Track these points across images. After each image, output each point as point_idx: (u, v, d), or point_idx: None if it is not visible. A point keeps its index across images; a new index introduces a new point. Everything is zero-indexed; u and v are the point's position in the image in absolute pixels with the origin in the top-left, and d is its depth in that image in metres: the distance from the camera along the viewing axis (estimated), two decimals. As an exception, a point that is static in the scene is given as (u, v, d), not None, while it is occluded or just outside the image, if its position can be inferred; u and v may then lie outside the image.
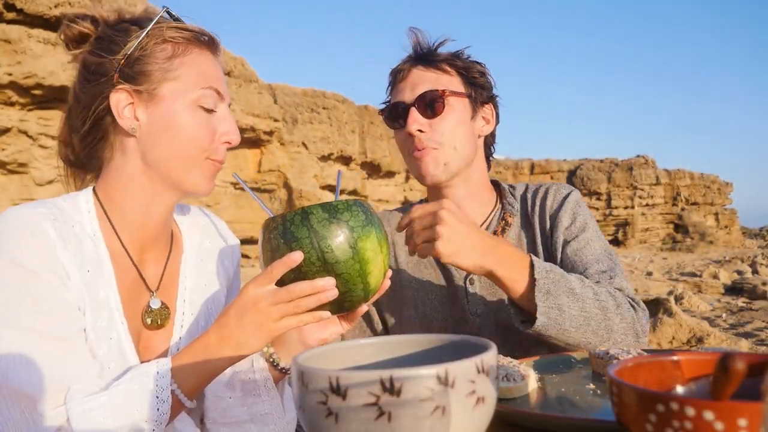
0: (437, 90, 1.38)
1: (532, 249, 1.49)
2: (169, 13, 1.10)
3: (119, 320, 1.04)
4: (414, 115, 1.36)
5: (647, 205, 44.89)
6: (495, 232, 1.46)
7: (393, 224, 1.52)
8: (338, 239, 0.89)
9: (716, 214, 46.90)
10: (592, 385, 1.03)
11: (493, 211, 1.51)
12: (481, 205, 1.50)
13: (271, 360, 1.09)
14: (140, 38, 1.03)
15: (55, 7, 13.00)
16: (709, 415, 0.50)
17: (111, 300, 1.04)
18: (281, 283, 0.91)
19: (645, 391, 0.55)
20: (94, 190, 1.11)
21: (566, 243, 1.46)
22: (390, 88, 1.48)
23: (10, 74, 12.49)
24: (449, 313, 1.46)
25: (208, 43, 1.10)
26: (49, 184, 13.12)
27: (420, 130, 1.36)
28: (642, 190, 44.85)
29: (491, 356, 0.57)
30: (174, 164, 1.06)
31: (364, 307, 0.99)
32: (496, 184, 1.59)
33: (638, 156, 46.32)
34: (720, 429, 0.50)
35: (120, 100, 1.04)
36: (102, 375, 0.99)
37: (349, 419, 0.53)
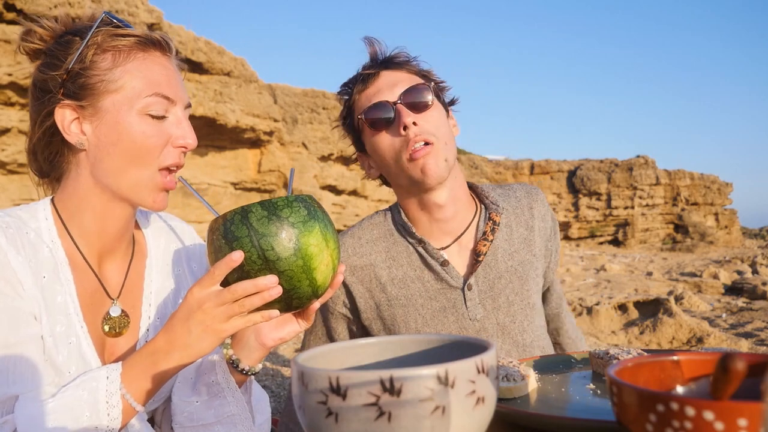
0: (422, 83, 1.36)
1: (527, 246, 1.48)
2: (109, 18, 1.06)
3: (78, 325, 1.03)
4: (404, 110, 1.32)
5: (647, 205, 44.84)
6: (485, 232, 1.44)
7: (374, 246, 1.45)
8: (278, 236, 0.89)
9: (716, 214, 46.85)
10: (592, 385, 1.03)
11: (477, 211, 1.49)
12: (466, 208, 1.47)
13: (232, 362, 1.07)
14: (80, 50, 1.01)
15: (55, 7, 13.00)
16: (709, 415, 0.50)
17: (69, 305, 1.03)
18: (226, 283, 0.91)
19: (645, 391, 0.55)
20: (53, 200, 1.10)
21: (552, 260, 1.58)
22: (355, 96, 1.41)
23: (10, 74, 12.49)
24: (446, 322, 1.42)
25: (154, 45, 1.06)
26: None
27: (414, 123, 1.31)
28: (642, 190, 44.80)
29: (491, 356, 0.57)
30: (122, 178, 1.03)
31: (316, 304, 0.99)
32: (470, 186, 1.56)
33: (638, 156, 46.27)
34: (720, 429, 0.49)
35: (65, 116, 1.02)
36: (62, 381, 0.98)
37: (349, 419, 0.53)
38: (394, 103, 1.33)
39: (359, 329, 1.52)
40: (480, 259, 1.41)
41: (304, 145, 22.28)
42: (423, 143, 1.32)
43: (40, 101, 1.05)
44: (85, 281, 1.08)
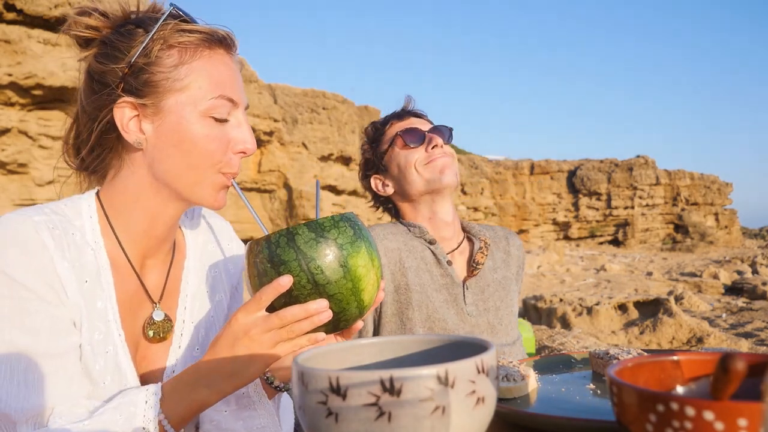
0: (446, 126, 1.74)
1: (505, 266, 1.77)
2: (176, 11, 0.99)
3: (116, 332, 0.99)
4: (434, 136, 1.68)
5: (647, 205, 44.87)
6: (480, 248, 1.71)
7: (397, 237, 1.70)
8: (327, 259, 0.86)
9: (716, 214, 46.88)
10: (592, 385, 1.03)
11: (464, 237, 1.76)
12: (459, 232, 1.75)
13: (266, 378, 1.06)
14: (144, 44, 0.95)
15: (55, 7, 13.01)
16: (709, 415, 0.50)
17: (109, 311, 0.99)
18: (272, 308, 0.88)
19: (645, 391, 0.55)
20: (98, 194, 1.05)
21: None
22: (391, 125, 1.76)
23: (10, 74, 12.49)
24: (449, 314, 1.61)
25: (220, 42, 1.00)
26: (49, 185, 13.11)
27: (440, 145, 1.67)
28: (642, 190, 44.82)
29: (491, 356, 0.57)
30: (183, 179, 0.99)
31: (359, 323, 0.96)
32: None
33: (638, 156, 46.28)
34: (720, 429, 0.49)
35: (124, 113, 0.97)
36: (96, 392, 0.95)
37: (349, 419, 0.53)
38: (427, 131, 1.69)
39: (375, 315, 1.65)
40: (479, 267, 1.67)
41: (304, 145, 22.28)
42: (442, 155, 1.67)
43: (98, 94, 0.98)
44: (127, 284, 1.03)
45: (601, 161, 47.14)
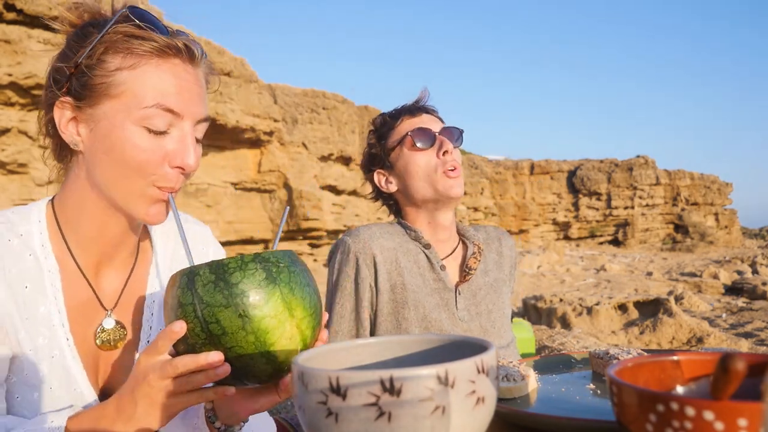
0: (457, 127, 1.70)
1: (498, 267, 1.76)
2: (132, 13, 0.95)
3: (63, 337, 0.96)
4: (445, 139, 1.64)
5: (647, 205, 44.87)
6: (474, 253, 1.69)
7: (394, 237, 1.67)
8: (224, 306, 0.76)
9: (716, 214, 46.87)
10: (592, 385, 1.03)
11: (459, 241, 1.74)
12: (455, 236, 1.74)
13: (209, 417, 0.98)
14: (92, 45, 0.93)
15: (55, 7, 13.00)
16: (709, 415, 0.50)
17: (54, 316, 0.96)
18: (186, 349, 0.80)
19: (645, 391, 0.55)
20: (52, 201, 1.04)
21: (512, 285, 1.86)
22: (403, 120, 1.69)
23: (10, 74, 12.49)
24: (444, 316, 1.61)
25: (176, 52, 0.95)
26: (50, 185, 13.10)
27: (451, 151, 1.63)
28: (642, 190, 44.81)
29: (491, 356, 0.57)
30: (114, 188, 0.95)
31: (287, 378, 0.86)
32: None
33: (638, 156, 46.28)
34: (720, 429, 0.49)
35: (63, 113, 0.95)
36: (42, 398, 0.93)
37: (349, 419, 0.53)
38: (438, 133, 1.65)
39: (372, 313, 1.64)
40: (471, 272, 1.66)
41: (304, 145, 22.28)
42: (453, 168, 1.63)
43: (49, 90, 0.98)
44: (77, 291, 1.01)
45: (601, 161, 47.15)
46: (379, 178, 1.73)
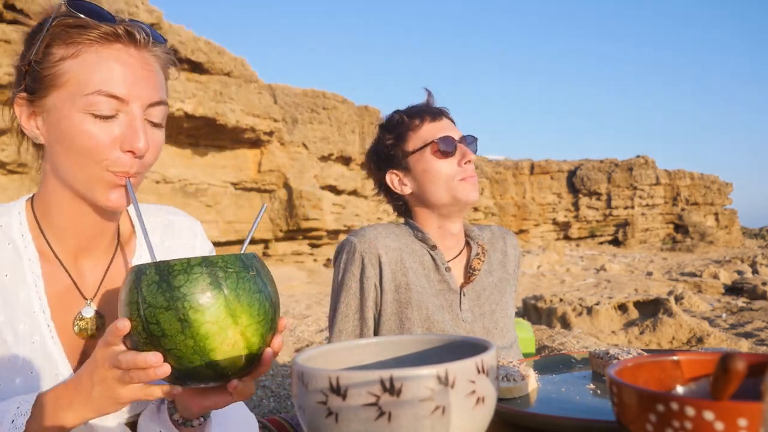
0: (472, 136, 1.72)
1: (502, 267, 1.77)
2: (72, 5, 0.98)
3: (44, 324, 0.99)
4: (466, 149, 1.66)
5: (647, 205, 44.83)
6: (477, 254, 1.69)
7: (399, 238, 1.68)
8: (164, 309, 0.77)
9: (716, 214, 46.84)
10: (592, 385, 1.03)
11: (465, 241, 1.76)
12: (462, 239, 1.75)
13: (169, 409, 1.00)
14: (40, 39, 0.96)
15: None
16: (709, 415, 0.50)
17: (34, 303, 0.99)
18: (126, 346, 0.82)
19: (645, 391, 0.55)
20: (32, 196, 1.09)
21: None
22: (424, 123, 1.68)
23: (10, 74, 12.48)
24: (447, 317, 1.63)
25: (116, 38, 0.97)
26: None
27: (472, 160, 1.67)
28: (642, 190, 44.79)
29: (491, 356, 0.57)
30: (73, 176, 0.98)
31: (234, 382, 0.85)
32: None
33: (638, 156, 46.28)
34: (720, 429, 0.49)
35: (22, 110, 1.00)
36: (25, 382, 0.96)
37: (349, 419, 0.53)
38: (458, 141, 1.66)
39: (376, 313, 1.65)
40: (475, 273, 1.67)
41: (304, 145, 22.27)
42: (472, 175, 1.67)
43: (15, 89, 1.02)
44: (58, 280, 1.04)
45: (601, 161, 47.12)
46: (392, 178, 1.72)
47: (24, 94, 0.98)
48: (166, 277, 0.78)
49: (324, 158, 23.39)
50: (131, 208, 1.17)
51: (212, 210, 18.16)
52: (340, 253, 1.67)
